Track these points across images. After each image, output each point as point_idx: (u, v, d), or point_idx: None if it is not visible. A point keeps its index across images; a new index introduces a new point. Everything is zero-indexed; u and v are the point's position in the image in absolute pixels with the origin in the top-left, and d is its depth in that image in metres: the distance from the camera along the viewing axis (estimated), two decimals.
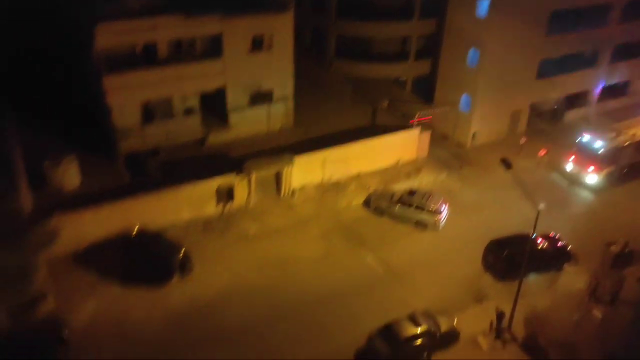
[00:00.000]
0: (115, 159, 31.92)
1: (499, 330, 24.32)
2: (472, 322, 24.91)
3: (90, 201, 27.63)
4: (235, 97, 34.36)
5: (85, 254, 27.30)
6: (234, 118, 34.81)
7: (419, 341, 23.06)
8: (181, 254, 26.32)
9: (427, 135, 36.71)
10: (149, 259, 26.08)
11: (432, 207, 30.64)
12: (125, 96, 30.52)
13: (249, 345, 23.50)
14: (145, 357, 22.63)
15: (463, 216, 31.94)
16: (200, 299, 25.69)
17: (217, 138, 34.50)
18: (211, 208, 30.62)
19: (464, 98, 38.61)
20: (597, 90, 43.65)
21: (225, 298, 25.79)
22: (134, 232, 27.66)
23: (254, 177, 30.84)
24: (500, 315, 24.17)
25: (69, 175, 29.52)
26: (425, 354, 23.21)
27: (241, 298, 25.83)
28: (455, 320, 24.46)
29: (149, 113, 32.13)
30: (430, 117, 37.77)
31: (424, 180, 35.12)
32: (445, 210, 31.17)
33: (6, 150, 25.22)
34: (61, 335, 22.24)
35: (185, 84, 32.16)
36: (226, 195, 30.53)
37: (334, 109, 39.10)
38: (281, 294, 26.22)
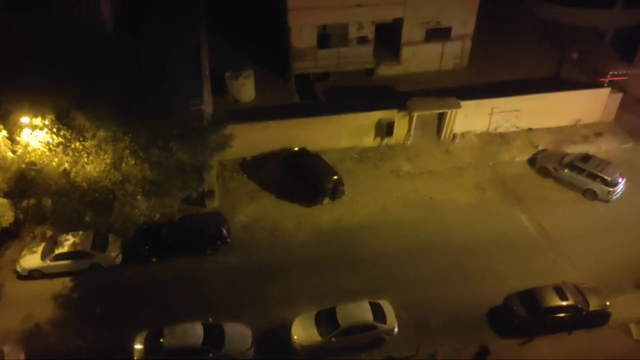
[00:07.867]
0: (288, 78, 33.65)
1: None
2: (627, 308, 22.78)
3: (262, 115, 29.71)
4: (410, 31, 33.58)
5: (250, 162, 29.85)
6: (406, 52, 34.25)
7: (561, 314, 21.77)
8: (335, 178, 27.41)
9: (617, 97, 32.56)
10: (307, 178, 27.62)
11: (608, 177, 27.68)
12: (304, 17, 31.39)
13: (387, 270, 24.39)
14: (292, 261, 24.80)
15: None
16: (347, 222, 26.84)
17: (386, 71, 34.42)
18: (369, 140, 31.02)
19: None
20: None
21: (370, 226, 26.59)
22: (296, 150, 29.29)
23: (415, 115, 30.36)
24: None
25: (246, 88, 31.97)
26: (566, 329, 21.94)
27: (385, 229, 26.44)
28: (609, 302, 22.50)
29: (324, 37, 32.79)
30: (627, 77, 33.28)
31: (602, 147, 31.57)
32: (622, 183, 27.97)
33: (198, 59, 27.82)
34: (221, 231, 24.94)
35: (363, 11, 31.93)
36: (385, 129, 30.60)
37: (515, 53, 36.31)
38: (425, 232, 26.28)
